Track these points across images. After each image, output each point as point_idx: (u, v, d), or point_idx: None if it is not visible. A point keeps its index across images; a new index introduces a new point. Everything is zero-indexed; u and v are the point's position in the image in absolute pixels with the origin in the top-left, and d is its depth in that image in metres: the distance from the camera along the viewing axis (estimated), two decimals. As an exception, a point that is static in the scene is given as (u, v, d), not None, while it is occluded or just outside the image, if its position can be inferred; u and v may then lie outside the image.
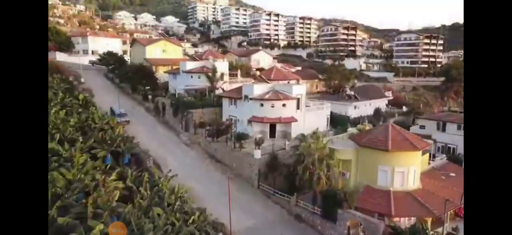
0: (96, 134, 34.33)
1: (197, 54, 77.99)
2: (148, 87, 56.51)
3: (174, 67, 60.19)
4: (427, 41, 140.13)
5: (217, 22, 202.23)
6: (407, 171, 27.77)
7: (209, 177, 33.56)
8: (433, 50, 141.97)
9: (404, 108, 67.07)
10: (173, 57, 67.97)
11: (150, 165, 33.97)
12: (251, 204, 30.44)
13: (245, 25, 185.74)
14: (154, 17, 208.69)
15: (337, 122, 47.89)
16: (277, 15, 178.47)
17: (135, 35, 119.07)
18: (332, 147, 28.97)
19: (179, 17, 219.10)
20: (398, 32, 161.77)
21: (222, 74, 50.56)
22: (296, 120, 40.86)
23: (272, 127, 41.42)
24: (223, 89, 49.58)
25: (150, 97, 54.30)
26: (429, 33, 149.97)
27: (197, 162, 37.24)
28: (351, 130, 36.24)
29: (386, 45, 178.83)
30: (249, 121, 41.20)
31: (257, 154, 33.58)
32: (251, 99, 41.06)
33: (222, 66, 52.74)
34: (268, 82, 49.80)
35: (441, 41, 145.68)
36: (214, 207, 27.78)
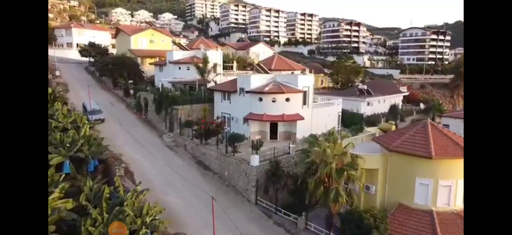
0: (54, 135, 27.98)
1: (188, 44, 71.03)
2: (131, 81, 49.57)
3: (162, 59, 53.50)
4: (434, 37, 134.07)
5: (216, 19, 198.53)
6: (455, 184, 20.76)
7: (194, 190, 26.71)
8: (441, 47, 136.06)
9: (422, 105, 60.19)
10: (162, 49, 60.96)
11: (120, 174, 27.29)
12: (246, 226, 23.64)
13: (244, 22, 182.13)
14: (151, 14, 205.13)
15: (350, 121, 40.83)
16: (277, 11, 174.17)
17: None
18: (353, 153, 21.90)
19: (177, 14, 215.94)
20: (400, 30, 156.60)
21: (215, 65, 43.45)
22: (302, 118, 33.86)
23: (273, 127, 34.63)
24: (215, 82, 42.51)
25: (132, 91, 47.34)
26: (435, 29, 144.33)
27: (181, 169, 30.30)
28: (372, 129, 29.12)
29: (389, 42, 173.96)
30: (246, 119, 34.33)
31: (255, 160, 26.68)
32: (247, 92, 34.14)
33: (214, 55, 45.63)
34: (268, 72, 42.43)
35: (448, 37, 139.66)
36: (198, 231, 22.18)
